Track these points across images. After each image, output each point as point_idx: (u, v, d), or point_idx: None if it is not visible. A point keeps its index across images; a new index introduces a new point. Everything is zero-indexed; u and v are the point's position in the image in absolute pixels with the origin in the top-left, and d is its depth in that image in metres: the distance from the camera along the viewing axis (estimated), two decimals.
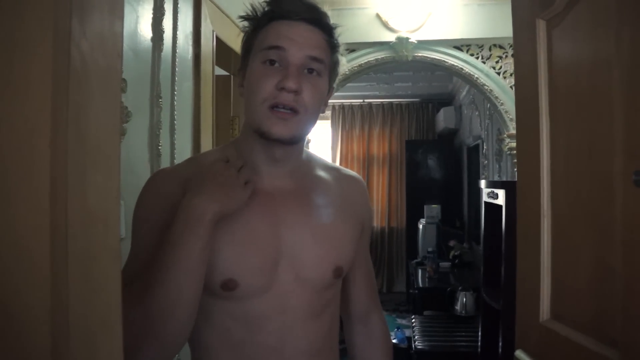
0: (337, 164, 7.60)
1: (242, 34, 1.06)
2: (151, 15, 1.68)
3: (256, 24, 1.02)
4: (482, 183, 3.17)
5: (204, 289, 0.93)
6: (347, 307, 1.25)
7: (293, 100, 0.95)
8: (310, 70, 0.98)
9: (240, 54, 1.07)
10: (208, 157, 1.06)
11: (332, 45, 1.03)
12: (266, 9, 1.01)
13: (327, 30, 1.02)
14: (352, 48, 3.80)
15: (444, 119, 6.84)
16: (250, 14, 1.03)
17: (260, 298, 0.98)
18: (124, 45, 1.49)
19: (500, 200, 2.69)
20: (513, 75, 3.61)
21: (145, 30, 1.65)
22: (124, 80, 1.46)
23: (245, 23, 1.04)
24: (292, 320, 1.01)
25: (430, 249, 5.34)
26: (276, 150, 1.02)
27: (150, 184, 1.04)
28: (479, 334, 3.23)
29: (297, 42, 0.97)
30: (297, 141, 1.02)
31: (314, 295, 1.03)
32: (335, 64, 1.06)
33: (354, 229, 1.12)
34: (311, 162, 1.14)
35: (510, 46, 3.62)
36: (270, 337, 0.99)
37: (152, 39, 1.69)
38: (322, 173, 1.14)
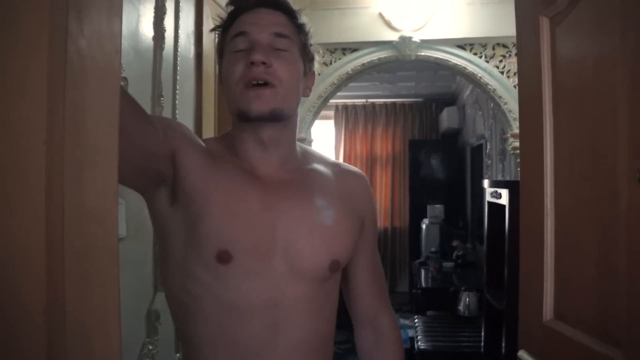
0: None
1: None
2: (153, 14, 1.68)
3: (224, 27, 1.05)
4: (486, 183, 3.15)
5: (199, 264, 0.96)
6: (353, 308, 1.22)
7: (264, 73, 0.96)
8: (279, 49, 1.00)
9: (217, 59, 1.09)
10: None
11: (297, 26, 1.05)
12: (229, 9, 1.04)
13: (288, 13, 1.04)
14: (355, 47, 3.79)
15: (447, 118, 6.82)
16: (219, 23, 1.07)
17: (253, 283, 0.97)
18: (125, 44, 1.49)
19: (504, 200, 2.68)
20: (516, 74, 3.60)
21: (147, 29, 1.65)
22: (125, 79, 1.46)
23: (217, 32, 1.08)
24: (286, 315, 0.99)
25: (433, 249, 5.33)
26: (263, 132, 1.02)
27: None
28: (482, 334, 3.22)
29: (259, 24, 1.00)
30: (278, 117, 1.00)
31: (309, 289, 1.02)
32: (305, 45, 1.07)
33: (353, 224, 1.11)
34: (308, 156, 1.14)
35: (514, 45, 3.60)
36: (263, 332, 0.98)
37: (154, 38, 1.69)
38: (320, 167, 1.13)
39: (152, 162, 0.92)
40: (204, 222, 0.96)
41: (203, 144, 1.04)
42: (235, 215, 0.98)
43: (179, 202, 0.98)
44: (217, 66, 1.14)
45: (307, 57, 1.08)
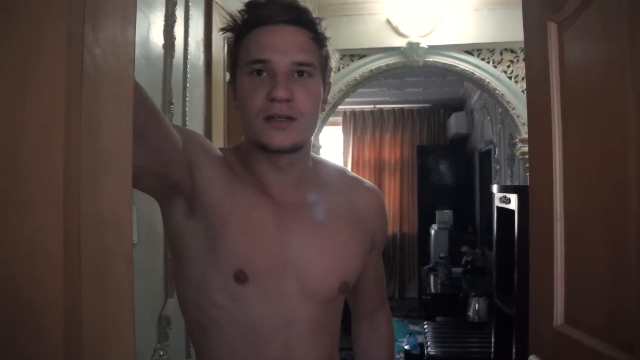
0: (349, 169, 7.59)
1: None
2: (163, 23, 1.70)
3: (237, 34, 1.01)
4: (495, 188, 3.15)
5: (217, 284, 0.97)
6: (355, 304, 1.28)
7: (287, 109, 0.94)
8: (301, 73, 0.97)
9: (229, 66, 1.06)
10: None
11: (318, 41, 1.01)
12: (244, 17, 0.99)
13: (310, 27, 0.99)
14: (363, 54, 3.80)
15: (455, 124, 6.81)
16: (230, 24, 1.01)
17: (267, 304, 0.99)
18: (136, 52, 1.50)
19: (513, 205, 2.67)
20: (524, 79, 3.60)
21: (157, 37, 1.66)
22: None
23: (228, 34, 1.03)
24: (298, 335, 1.01)
25: (442, 255, 5.32)
26: (280, 160, 1.01)
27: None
28: (492, 339, 3.20)
29: (281, 49, 0.95)
30: (299, 148, 1.00)
31: (318, 309, 1.04)
32: (326, 59, 1.03)
33: (363, 244, 1.12)
34: (321, 172, 1.13)
35: (522, 50, 3.60)
36: (276, 351, 1.00)
37: (164, 46, 1.70)
38: (333, 184, 1.12)
39: (170, 169, 0.92)
40: (222, 241, 0.96)
41: (222, 156, 1.04)
42: (252, 236, 0.99)
43: (197, 216, 0.98)
44: (225, 72, 1.11)
45: (327, 73, 1.05)
